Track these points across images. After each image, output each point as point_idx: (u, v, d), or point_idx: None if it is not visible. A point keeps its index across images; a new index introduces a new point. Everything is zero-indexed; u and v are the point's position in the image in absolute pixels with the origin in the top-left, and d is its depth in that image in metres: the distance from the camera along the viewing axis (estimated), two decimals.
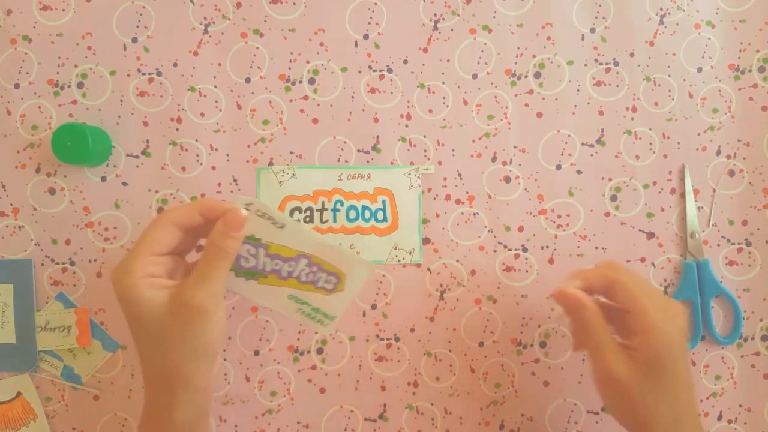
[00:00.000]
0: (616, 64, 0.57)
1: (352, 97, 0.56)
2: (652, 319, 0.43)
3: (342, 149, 0.56)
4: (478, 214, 0.56)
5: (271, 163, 0.56)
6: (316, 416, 0.56)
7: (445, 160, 0.56)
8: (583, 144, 0.57)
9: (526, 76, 0.56)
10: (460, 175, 0.56)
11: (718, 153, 0.57)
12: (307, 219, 0.56)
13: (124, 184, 0.56)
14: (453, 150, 0.56)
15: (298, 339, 0.56)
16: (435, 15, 0.56)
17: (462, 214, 0.56)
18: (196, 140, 0.56)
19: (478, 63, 0.56)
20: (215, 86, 0.56)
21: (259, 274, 0.46)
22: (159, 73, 0.56)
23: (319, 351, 0.56)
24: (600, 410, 0.57)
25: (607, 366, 0.44)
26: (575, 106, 0.56)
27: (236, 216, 0.43)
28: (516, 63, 0.56)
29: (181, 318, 0.42)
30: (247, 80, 0.56)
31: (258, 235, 0.45)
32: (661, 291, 0.47)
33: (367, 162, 0.56)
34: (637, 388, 0.43)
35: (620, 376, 0.44)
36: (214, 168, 0.56)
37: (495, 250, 0.57)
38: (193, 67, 0.56)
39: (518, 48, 0.56)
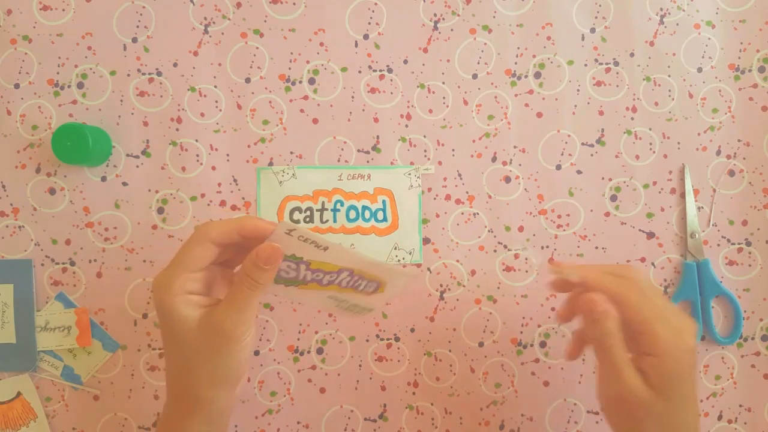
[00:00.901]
0: (616, 64, 0.57)
1: (352, 97, 0.56)
2: (663, 343, 0.41)
3: (342, 149, 0.56)
4: (478, 214, 0.56)
5: (271, 163, 0.56)
6: (316, 416, 0.56)
7: (445, 160, 0.56)
8: (583, 144, 0.57)
9: (526, 76, 0.56)
10: (460, 175, 0.56)
11: (718, 153, 0.57)
12: (307, 219, 0.56)
13: (124, 184, 0.56)
14: (453, 150, 0.56)
15: (298, 339, 0.56)
16: (435, 15, 0.56)
17: (462, 214, 0.56)
18: (196, 140, 0.56)
19: (478, 63, 0.56)
20: (215, 86, 0.56)
21: (300, 282, 0.45)
22: (159, 73, 0.56)
23: (319, 351, 0.56)
24: (600, 410, 0.57)
25: (627, 385, 0.42)
26: (575, 106, 0.56)
27: (269, 250, 0.41)
28: (516, 63, 0.56)
29: (209, 340, 0.42)
30: (247, 80, 0.56)
31: (299, 255, 0.43)
32: (667, 302, 0.44)
33: (367, 162, 0.56)
34: (647, 409, 0.42)
35: (637, 397, 0.42)
36: (214, 168, 0.56)
37: (495, 250, 0.57)
38: (193, 67, 0.56)
39: (518, 48, 0.56)
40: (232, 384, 0.44)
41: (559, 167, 0.57)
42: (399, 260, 0.56)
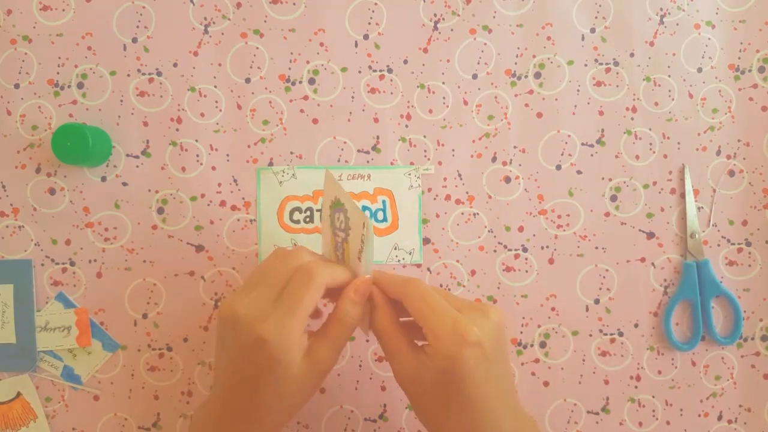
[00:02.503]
0: (616, 64, 0.57)
1: (352, 97, 0.56)
2: (436, 335, 0.40)
3: (342, 149, 0.56)
4: (478, 214, 0.56)
5: (271, 163, 0.56)
6: (316, 416, 0.56)
7: (445, 160, 0.56)
8: (583, 144, 0.57)
9: (526, 76, 0.56)
10: (460, 175, 0.56)
11: (718, 153, 0.57)
12: (307, 219, 0.56)
13: (124, 184, 0.56)
14: (453, 150, 0.56)
15: None
16: (435, 15, 0.56)
17: (462, 214, 0.56)
18: (196, 140, 0.56)
19: (478, 63, 0.56)
20: (215, 86, 0.56)
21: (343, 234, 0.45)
22: (159, 73, 0.56)
23: None
24: (600, 410, 0.57)
25: (394, 370, 0.43)
26: (575, 106, 0.56)
27: (364, 285, 0.43)
28: (516, 63, 0.56)
29: (312, 378, 0.42)
30: (247, 80, 0.56)
31: (342, 200, 0.44)
32: (461, 302, 0.43)
33: (367, 162, 0.56)
34: (425, 397, 0.42)
35: (406, 382, 0.42)
36: (214, 168, 0.56)
37: (495, 250, 0.57)
38: (193, 67, 0.56)
39: (518, 48, 0.56)
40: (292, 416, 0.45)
41: (559, 167, 0.57)
42: (399, 260, 0.56)
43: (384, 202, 0.56)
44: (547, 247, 0.57)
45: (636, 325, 0.57)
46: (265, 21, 0.56)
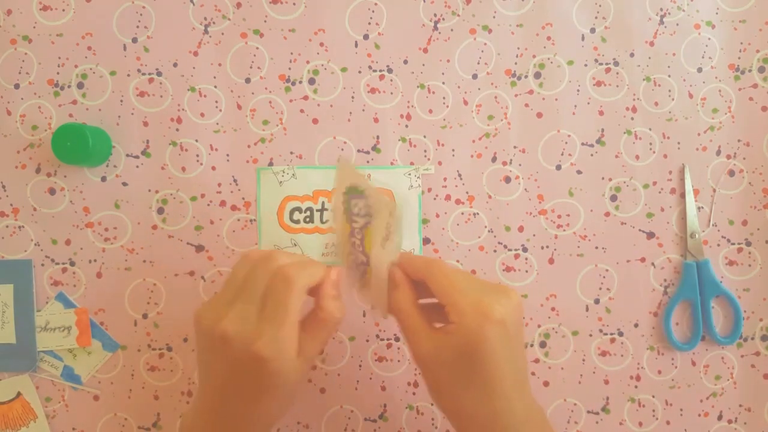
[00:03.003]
0: (616, 64, 0.57)
1: (352, 97, 0.56)
2: (460, 310, 0.40)
3: (342, 149, 0.56)
4: (478, 214, 0.56)
5: (271, 163, 0.56)
6: (316, 416, 0.56)
7: (445, 161, 0.56)
8: (583, 144, 0.57)
9: (526, 76, 0.56)
10: (460, 175, 0.56)
11: (718, 153, 0.57)
12: (307, 219, 0.56)
13: (124, 184, 0.56)
14: (453, 150, 0.56)
15: None
16: (435, 15, 0.56)
17: (462, 214, 0.56)
18: (196, 140, 0.56)
19: (478, 63, 0.56)
20: (215, 86, 0.56)
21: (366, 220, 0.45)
22: (159, 73, 0.56)
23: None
24: (600, 410, 0.57)
25: (413, 348, 0.43)
26: (575, 106, 0.56)
27: (337, 277, 0.44)
28: (516, 63, 0.56)
29: (301, 380, 0.43)
30: (247, 80, 0.56)
31: (362, 187, 0.44)
32: (482, 282, 0.44)
33: (367, 162, 0.56)
34: (444, 375, 0.41)
35: (426, 360, 0.42)
36: (214, 168, 0.56)
37: (495, 250, 0.57)
38: (193, 67, 0.56)
39: (518, 48, 0.56)
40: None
41: (559, 167, 0.57)
42: None
43: None
44: (547, 247, 0.57)
45: (636, 325, 0.57)
46: (265, 21, 0.56)
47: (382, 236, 0.43)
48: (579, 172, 0.57)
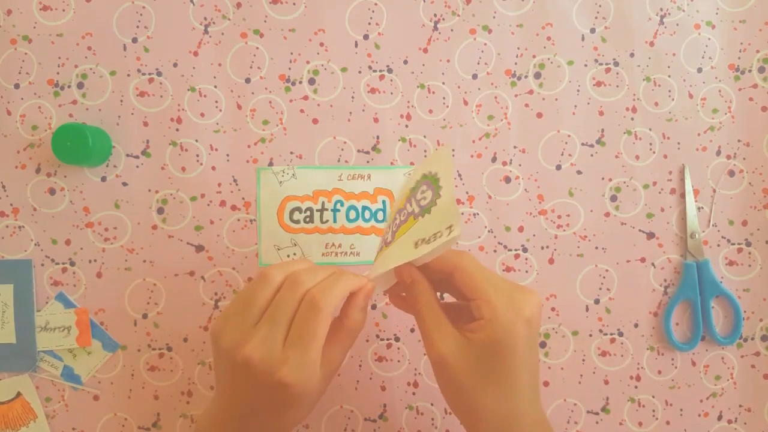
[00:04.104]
0: (616, 64, 0.57)
1: (352, 97, 0.56)
2: (493, 305, 0.40)
3: (342, 149, 0.56)
4: (478, 214, 0.56)
5: (271, 163, 0.56)
6: (316, 416, 0.56)
7: None
8: (583, 144, 0.57)
9: (526, 76, 0.56)
10: (460, 175, 0.56)
11: (718, 153, 0.57)
12: (307, 219, 0.56)
13: (124, 184, 0.56)
14: (453, 150, 0.56)
15: None
16: (435, 15, 0.56)
17: (462, 214, 0.56)
18: (196, 140, 0.56)
19: (478, 63, 0.56)
20: (215, 86, 0.56)
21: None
22: (159, 73, 0.56)
23: None
24: (600, 410, 0.57)
25: (433, 345, 0.41)
26: (575, 106, 0.56)
27: (367, 291, 0.44)
28: (516, 63, 0.56)
29: (322, 391, 0.43)
30: (247, 80, 0.56)
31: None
32: (508, 280, 0.43)
33: (367, 162, 0.56)
34: (465, 373, 0.40)
35: (447, 358, 0.40)
36: (214, 168, 0.56)
37: (495, 251, 0.57)
38: (193, 67, 0.56)
39: (518, 48, 0.56)
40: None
41: (559, 167, 0.57)
42: None
43: (384, 202, 0.56)
44: (547, 247, 0.57)
45: (636, 325, 0.57)
46: (265, 21, 0.56)
47: (423, 237, 0.42)
48: (579, 172, 0.57)
